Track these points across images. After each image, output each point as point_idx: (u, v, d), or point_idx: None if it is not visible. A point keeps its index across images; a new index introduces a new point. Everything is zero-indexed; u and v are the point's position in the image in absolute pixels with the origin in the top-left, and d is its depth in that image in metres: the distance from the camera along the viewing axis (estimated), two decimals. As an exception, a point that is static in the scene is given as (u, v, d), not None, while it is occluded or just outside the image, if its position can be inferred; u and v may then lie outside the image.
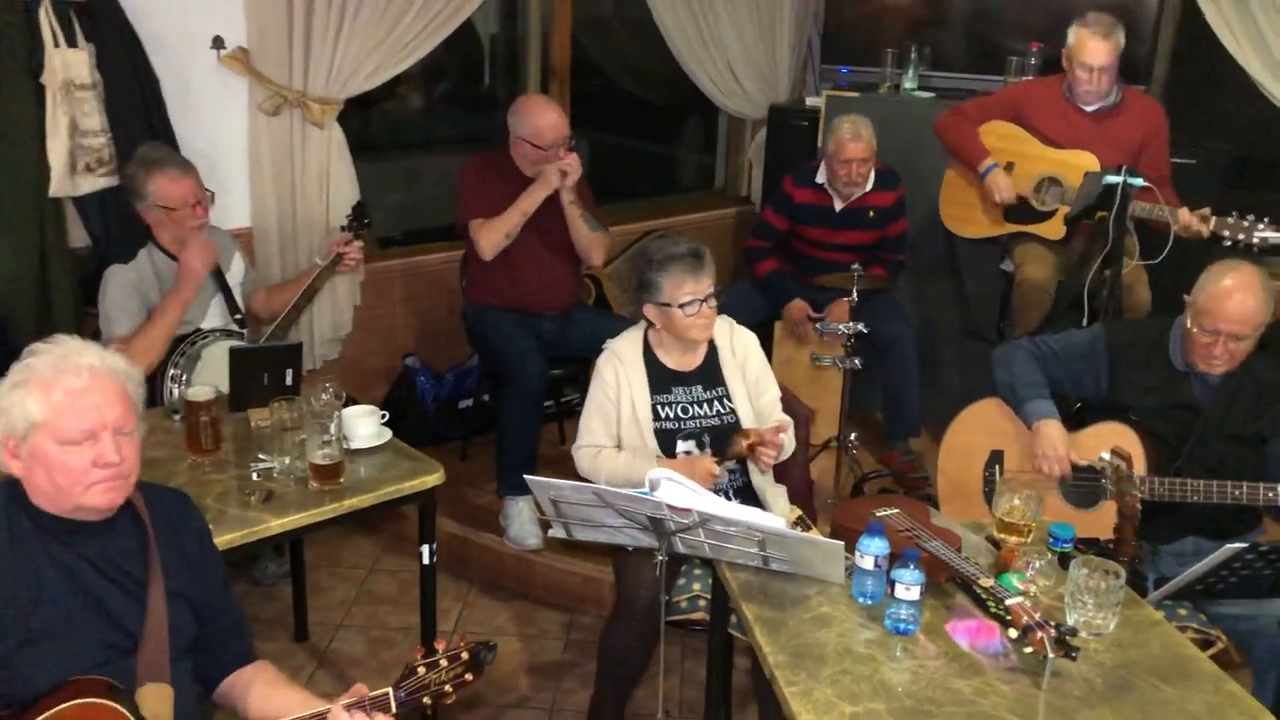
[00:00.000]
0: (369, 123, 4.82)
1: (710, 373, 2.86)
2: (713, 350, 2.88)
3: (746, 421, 2.83)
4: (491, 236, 3.63)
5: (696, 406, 2.84)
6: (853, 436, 3.90)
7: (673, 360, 2.85)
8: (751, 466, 2.83)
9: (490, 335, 3.79)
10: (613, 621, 2.78)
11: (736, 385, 2.86)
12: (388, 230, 4.72)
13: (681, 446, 2.81)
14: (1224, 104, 4.73)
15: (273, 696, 1.93)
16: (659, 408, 2.82)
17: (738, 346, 2.90)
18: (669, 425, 2.81)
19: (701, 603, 2.70)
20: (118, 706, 1.70)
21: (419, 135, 5.39)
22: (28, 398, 1.71)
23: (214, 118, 3.73)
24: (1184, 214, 3.29)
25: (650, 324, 2.84)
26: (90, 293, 3.19)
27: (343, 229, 3.39)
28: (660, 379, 2.84)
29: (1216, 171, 4.14)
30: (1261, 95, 4.18)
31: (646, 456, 2.75)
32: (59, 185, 3.26)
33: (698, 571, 2.75)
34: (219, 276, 3.25)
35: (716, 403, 2.85)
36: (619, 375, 2.82)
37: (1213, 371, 2.69)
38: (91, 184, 3.33)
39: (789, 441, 2.82)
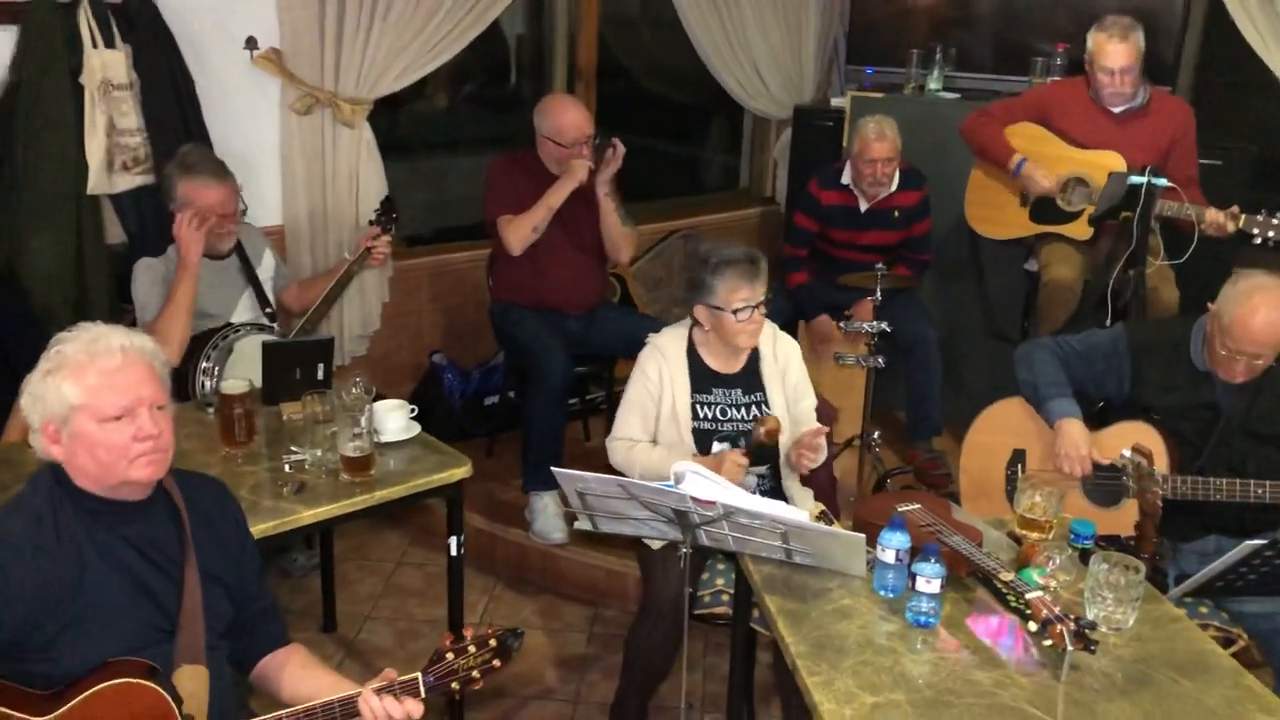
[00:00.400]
0: (397, 123, 4.88)
1: (751, 377, 2.88)
2: (755, 355, 2.88)
3: (785, 427, 2.85)
4: (519, 232, 3.67)
5: (734, 410, 2.86)
6: (876, 435, 3.92)
7: (716, 361, 2.86)
8: (783, 469, 2.85)
9: (516, 333, 3.83)
10: (640, 618, 2.81)
11: (775, 391, 2.87)
12: (415, 229, 4.78)
13: (716, 448, 2.82)
14: (1251, 106, 4.71)
15: (305, 678, 1.98)
16: (698, 407, 2.83)
17: (780, 353, 2.91)
18: (706, 425, 2.83)
19: (725, 597, 2.73)
20: (156, 687, 1.74)
21: (445, 136, 5.44)
22: (64, 382, 1.76)
23: (247, 117, 3.80)
24: (1211, 212, 3.29)
25: (696, 323, 2.85)
26: (126, 289, 3.25)
27: (371, 223, 3.45)
28: (702, 378, 2.85)
29: (1243, 172, 4.14)
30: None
31: (682, 454, 2.76)
32: (96, 183, 3.33)
33: (721, 566, 2.79)
34: (249, 271, 3.31)
35: (754, 408, 2.86)
36: (662, 371, 2.83)
37: (1233, 380, 2.70)
38: (128, 182, 3.41)
39: (823, 446, 2.83)
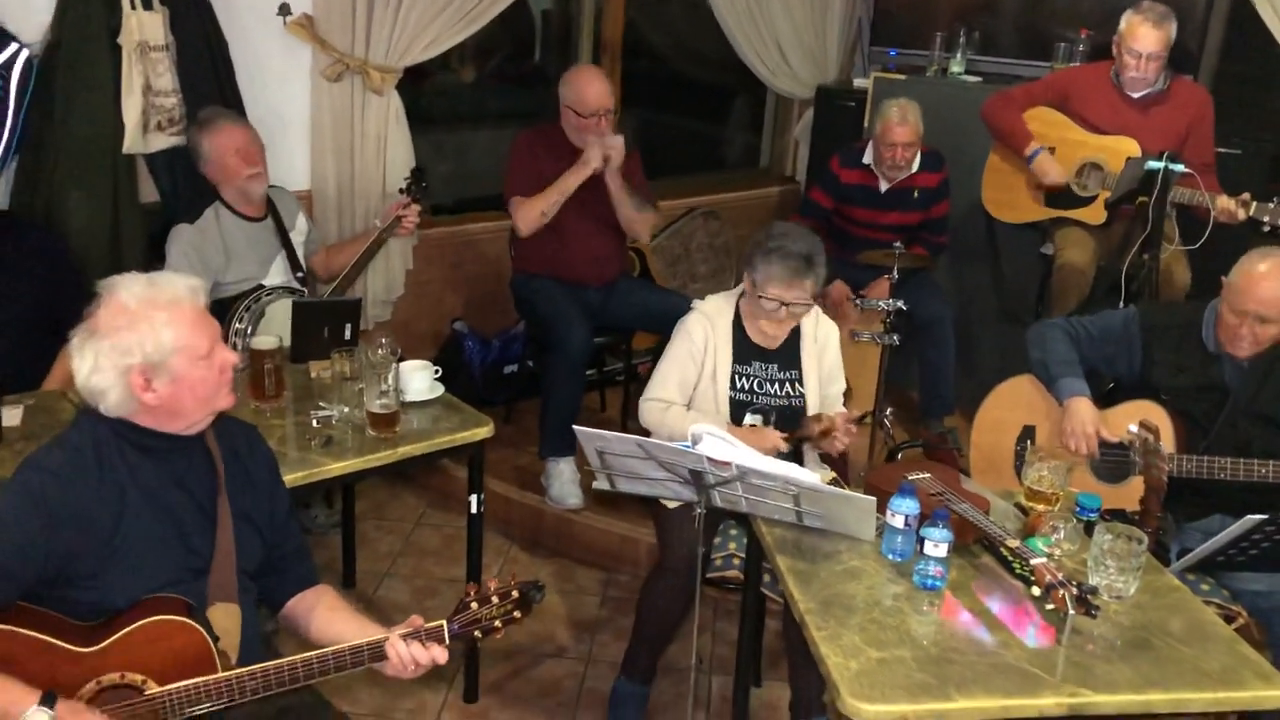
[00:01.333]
0: (422, 95, 4.93)
1: (790, 355, 2.92)
2: (796, 333, 2.92)
3: (813, 407, 2.90)
4: (528, 215, 3.72)
5: (770, 384, 2.91)
6: (888, 411, 3.98)
7: (757, 335, 2.89)
8: (806, 447, 2.90)
9: (537, 302, 3.89)
10: (654, 576, 2.89)
11: (811, 371, 2.93)
12: (438, 199, 4.84)
13: (749, 420, 2.87)
14: (1272, 97, 4.72)
15: (334, 620, 2.05)
16: (736, 377, 2.89)
17: (820, 334, 2.95)
18: (741, 396, 2.89)
19: (736, 561, 2.80)
20: (195, 624, 1.82)
21: (470, 109, 5.49)
22: (162, 327, 1.80)
23: (279, 82, 3.86)
24: (1223, 199, 3.34)
25: (744, 292, 2.89)
26: (159, 247, 3.32)
27: (401, 192, 3.51)
28: (743, 349, 2.90)
29: (1261, 163, 4.17)
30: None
31: (717, 423, 2.78)
32: (132, 142, 3.40)
33: (734, 531, 2.85)
34: (283, 234, 3.38)
35: (789, 384, 2.92)
36: (709, 338, 2.87)
37: (1238, 354, 2.75)
38: (163, 142, 3.47)
39: (853, 431, 2.88)
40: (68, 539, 1.76)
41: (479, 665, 3.07)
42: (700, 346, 2.87)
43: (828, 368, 2.95)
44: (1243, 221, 3.32)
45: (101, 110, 3.34)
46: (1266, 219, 3.27)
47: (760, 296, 2.77)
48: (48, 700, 1.67)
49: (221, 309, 3.16)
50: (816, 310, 2.97)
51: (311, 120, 3.95)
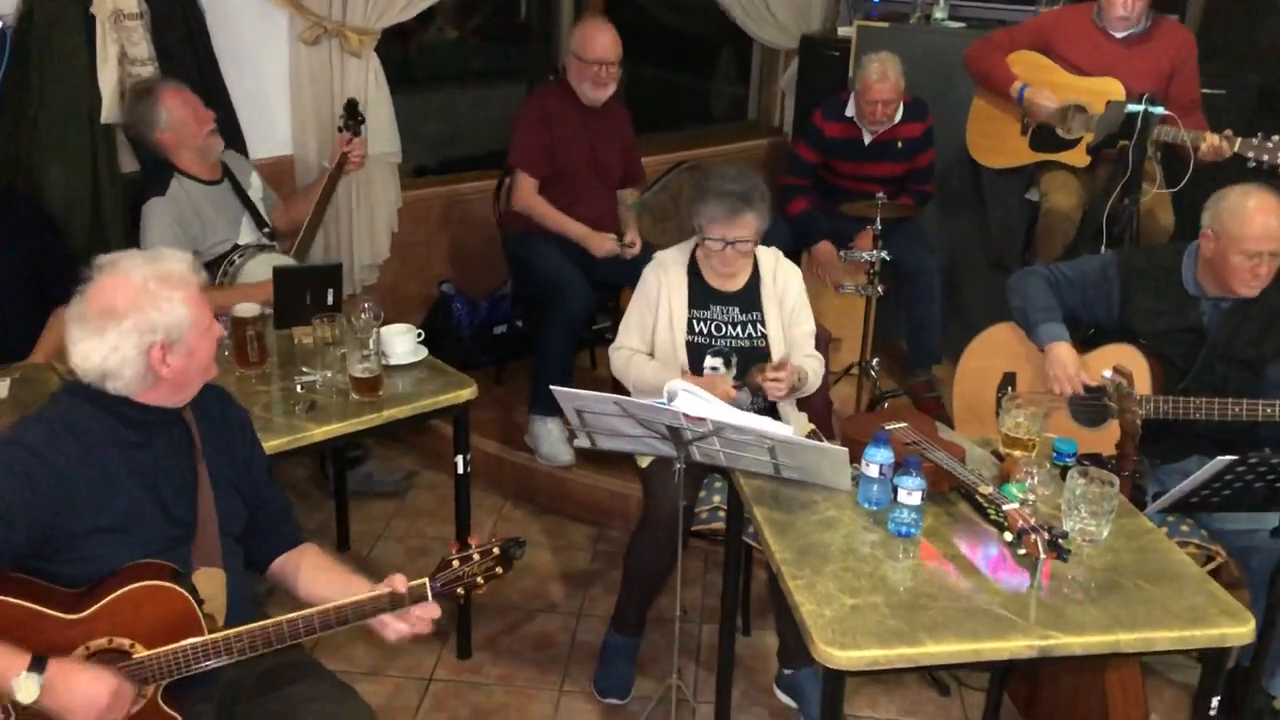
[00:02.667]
0: (406, 55, 4.91)
1: (750, 297, 2.96)
2: (755, 276, 2.96)
3: (776, 349, 2.93)
4: (528, 202, 3.89)
5: (730, 326, 2.95)
6: (874, 362, 4.00)
7: (715, 279, 2.95)
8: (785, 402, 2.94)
9: (535, 261, 3.91)
10: (639, 530, 2.93)
11: (772, 313, 2.95)
12: (423, 160, 4.84)
13: (709, 362, 2.92)
14: (1258, 36, 4.69)
15: (319, 578, 2.08)
16: (694, 322, 2.93)
17: (780, 277, 2.98)
18: (700, 340, 2.93)
19: (721, 514, 2.84)
20: (180, 589, 1.85)
21: (455, 68, 5.47)
22: (179, 303, 1.86)
23: (256, 48, 3.84)
24: (1209, 136, 3.33)
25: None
26: (139, 216, 3.33)
27: (340, 130, 3.54)
28: (700, 294, 2.95)
29: (1246, 100, 4.14)
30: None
31: (674, 368, 2.88)
32: (109, 112, 3.39)
33: (719, 484, 2.89)
34: (241, 193, 3.39)
35: (750, 326, 2.95)
36: (661, 284, 2.93)
37: (1250, 294, 2.76)
38: (140, 111, 3.46)
39: (813, 378, 2.92)
40: (48, 512, 1.79)
41: (471, 622, 3.12)
42: (654, 293, 2.94)
43: (790, 308, 2.97)
44: (1228, 158, 3.31)
45: (78, 81, 3.33)
46: (1251, 154, 3.26)
47: (706, 239, 2.83)
48: (37, 665, 1.71)
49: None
50: (776, 254, 3.01)
51: (290, 85, 3.94)
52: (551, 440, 3.80)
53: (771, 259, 2.99)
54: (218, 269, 3.22)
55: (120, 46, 3.38)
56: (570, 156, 3.93)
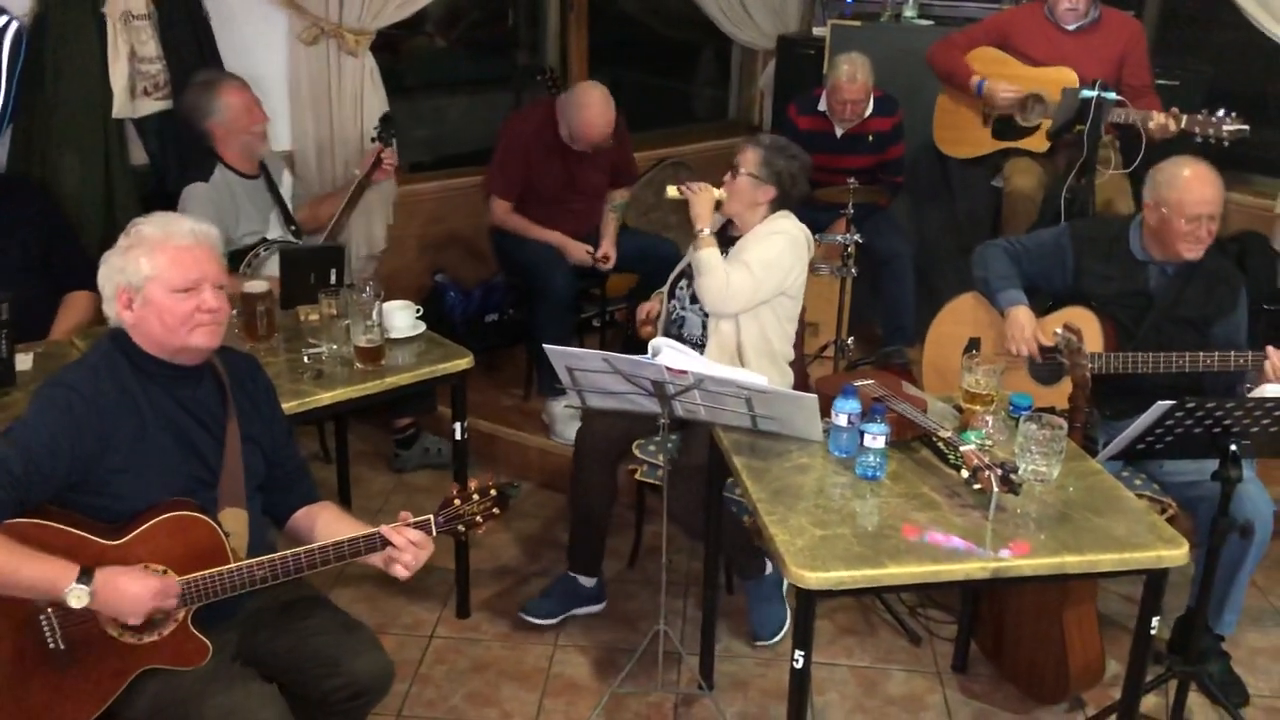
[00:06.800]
0: (397, 62, 5.09)
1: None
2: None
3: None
4: (504, 220, 4.09)
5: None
6: (850, 340, 4.19)
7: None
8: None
9: (519, 253, 4.10)
10: (575, 470, 3.19)
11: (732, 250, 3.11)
12: (418, 157, 5.01)
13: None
14: (1212, 32, 4.94)
15: (337, 528, 2.23)
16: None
17: (754, 237, 3.10)
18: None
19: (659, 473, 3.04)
20: (209, 520, 2.04)
21: (444, 75, 5.65)
22: (142, 256, 2.04)
23: (257, 47, 4.03)
24: (1155, 114, 3.55)
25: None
26: (150, 206, 3.50)
27: (374, 140, 3.71)
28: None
29: (1197, 92, 4.36)
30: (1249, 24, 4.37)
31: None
32: (120, 108, 3.58)
33: (652, 448, 3.18)
34: (274, 190, 3.58)
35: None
36: None
37: (1196, 257, 2.96)
38: (149, 107, 3.67)
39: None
40: (89, 446, 1.97)
41: (469, 584, 3.29)
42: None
43: (739, 248, 3.10)
44: (1175, 135, 3.53)
45: (90, 78, 3.52)
46: (1197, 130, 3.48)
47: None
48: (85, 577, 1.88)
49: (233, 263, 3.35)
50: (778, 226, 3.13)
51: (290, 83, 4.13)
52: (564, 420, 3.97)
53: (771, 225, 3.11)
54: (241, 260, 3.40)
55: (130, 45, 3.57)
56: (547, 182, 4.09)
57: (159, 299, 2.04)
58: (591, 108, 3.94)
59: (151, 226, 2.08)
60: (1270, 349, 2.85)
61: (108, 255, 2.08)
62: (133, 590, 1.92)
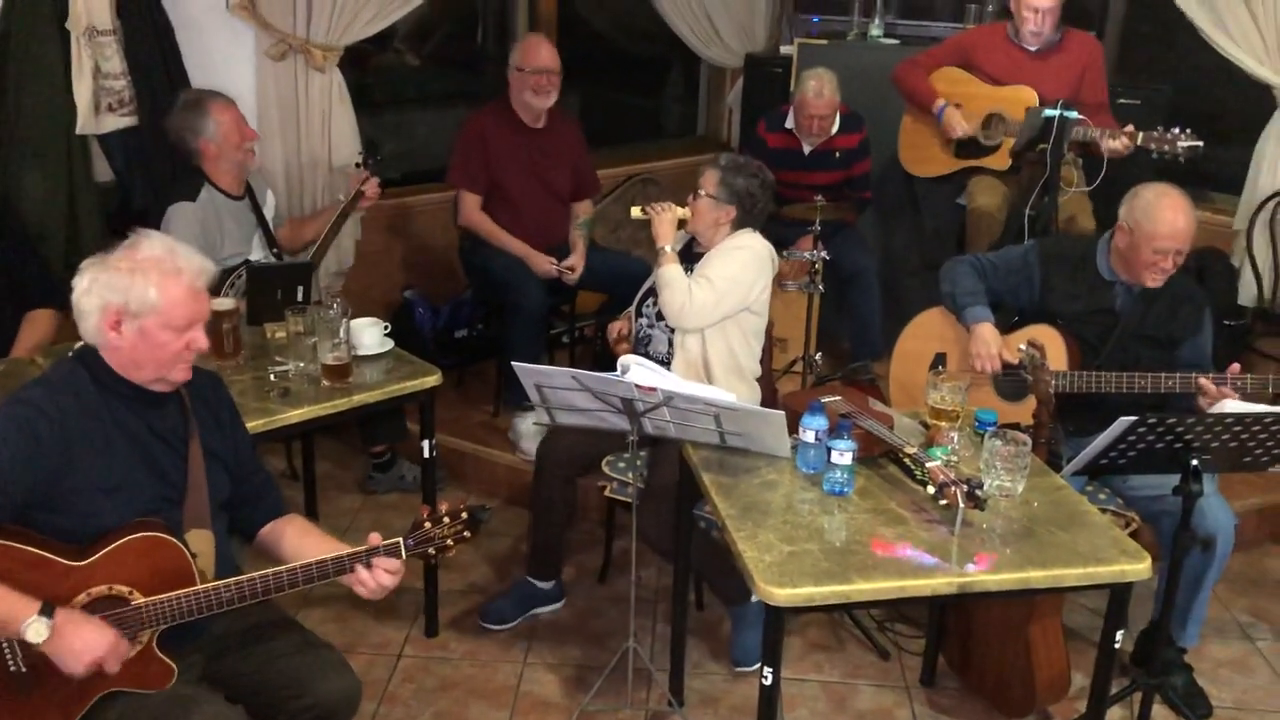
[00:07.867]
0: (366, 78, 5.08)
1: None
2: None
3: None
4: (472, 219, 4.10)
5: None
6: (817, 355, 4.22)
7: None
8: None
9: (489, 267, 4.10)
10: (535, 482, 3.21)
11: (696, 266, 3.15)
12: (386, 174, 4.99)
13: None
14: (1171, 53, 5.04)
15: (304, 544, 2.23)
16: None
17: (718, 253, 3.14)
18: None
19: (629, 488, 3.09)
20: (176, 541, 2.02)
21: (413, 91, 5.65)
22: (151, 285, 1.98)
23: (224, 63, 4.00)
24: (1113, 132, 3.61)
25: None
26: (114, 223, 3.49)
27: (358, 166, 3.71)
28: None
29: (1158, 111, 4.43)
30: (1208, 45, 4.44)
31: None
32: (84, 123, 3.56)
33: (622, 464, 3.19)
34: (258, 211, 3.57)
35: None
36: None
37: (1156, 285, 2.99)
38: (114, 123, 3.64)
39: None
40: (50, 465, 1.94)
41: (438, 603, 3.27)
42: None
43: (703, 263, 3.14)
44: (1130, 151, 3.59)
45: (53, 94, 3.50)
46: (1153, 146, 3.54)
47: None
48: (46, 610, 1.86)
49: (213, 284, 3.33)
50: (744, 244, 3.17)
51: (258, 99, 4.10)
52: (531, 435, 3.95)
53: (738, 241, 3.15)
54: (224, 281, 3.38)
55: (94, 61, 3.55)
56: (509, 173, 4.10)
57: (155, 332, 2.00)
58: (535, 36, 4.19)
59: (161, 252, 2.02)
60: (1203, 380, 2.87)
61: (96, 269, 2.00)
62: (90, 640, 1.89)
